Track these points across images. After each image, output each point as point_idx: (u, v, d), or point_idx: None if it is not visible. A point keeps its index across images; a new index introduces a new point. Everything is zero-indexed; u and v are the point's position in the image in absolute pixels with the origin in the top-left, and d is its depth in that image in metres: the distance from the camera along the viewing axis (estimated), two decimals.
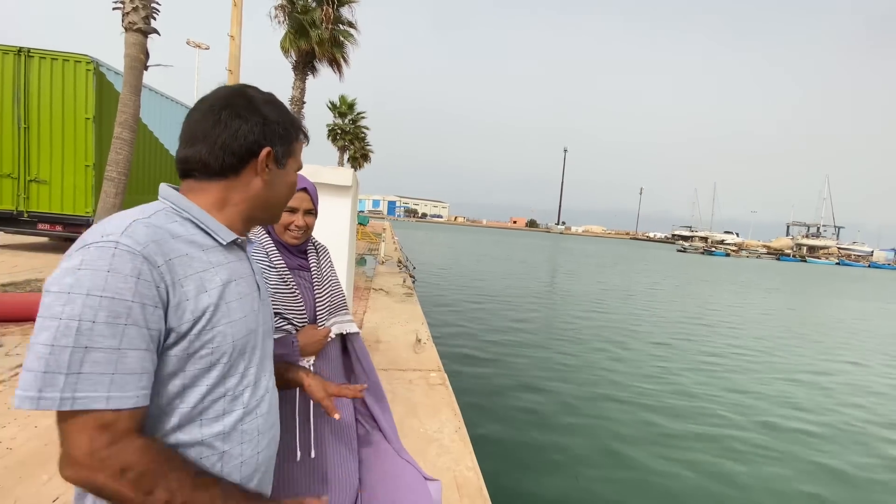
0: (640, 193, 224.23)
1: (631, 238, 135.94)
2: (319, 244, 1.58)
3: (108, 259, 0.63)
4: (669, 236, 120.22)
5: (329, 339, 1.42)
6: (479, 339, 8.10)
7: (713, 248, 75.80)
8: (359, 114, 32.06)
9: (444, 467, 2.66)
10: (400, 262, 13.56)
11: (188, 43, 27.83)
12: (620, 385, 6.27)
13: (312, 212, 1.44)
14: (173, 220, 0.75)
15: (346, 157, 32.23)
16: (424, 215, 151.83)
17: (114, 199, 5.77)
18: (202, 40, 25.82)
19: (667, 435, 4.87)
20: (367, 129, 33.89)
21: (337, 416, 1.16)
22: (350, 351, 1.52)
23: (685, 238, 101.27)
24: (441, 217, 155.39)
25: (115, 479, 0.61)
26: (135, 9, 7.29)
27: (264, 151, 0.81)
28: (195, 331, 0.70)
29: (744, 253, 77.68)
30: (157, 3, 7.65)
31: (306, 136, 0.96)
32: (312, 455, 1.31)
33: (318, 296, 1.44)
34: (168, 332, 0.68)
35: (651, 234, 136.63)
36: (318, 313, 1.42)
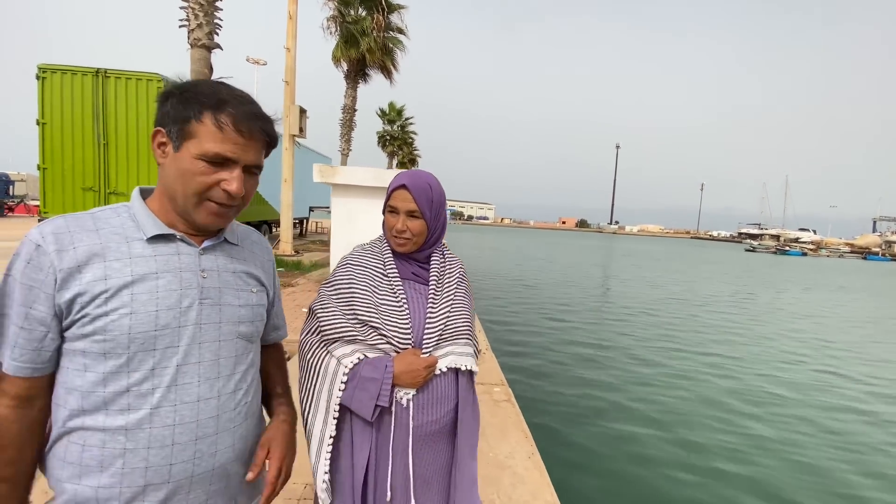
0: (702, 189, 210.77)
1: (692, 237, 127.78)
2: (452, 256, 1.30)
3: (21, 246, 0.75)
4: (735, 235, 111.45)
5: (438, 372, 1.14)
6: (540, 352, 7.66)
7: (787, 247, 69.30)
8: (407, 119, 32.47)
9: (521, 501, 2.37)
10: None
11: (247, 60, 29.48)
12: (707, 416, 5.63)
13: (417, 214, 1.15)
14: (118, 213, 0.82)
15: (394, 162, 32.73)
16: (470, 217, 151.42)
17: None
18: (260, 55, 27.28)
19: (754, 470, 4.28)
20: (415, 133, 34.24)
21: None
22: (459, 391, 1.20)
23: (754, 236, 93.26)
24: (487, 219, 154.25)
25: None
26: (199, 25, 7.62)
27: (152, 133, 0.81)
28: (85, 314, 0.74)
29: (823, 252, 70.40)
30: (220, 20, 7.97)
31: (221, 110, 0.77)
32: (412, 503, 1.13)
33: (430, 314, 1.16)
34: (61, 312, 0.74)
35: (714, 233, 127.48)
36: (425, 336, 1.14)
